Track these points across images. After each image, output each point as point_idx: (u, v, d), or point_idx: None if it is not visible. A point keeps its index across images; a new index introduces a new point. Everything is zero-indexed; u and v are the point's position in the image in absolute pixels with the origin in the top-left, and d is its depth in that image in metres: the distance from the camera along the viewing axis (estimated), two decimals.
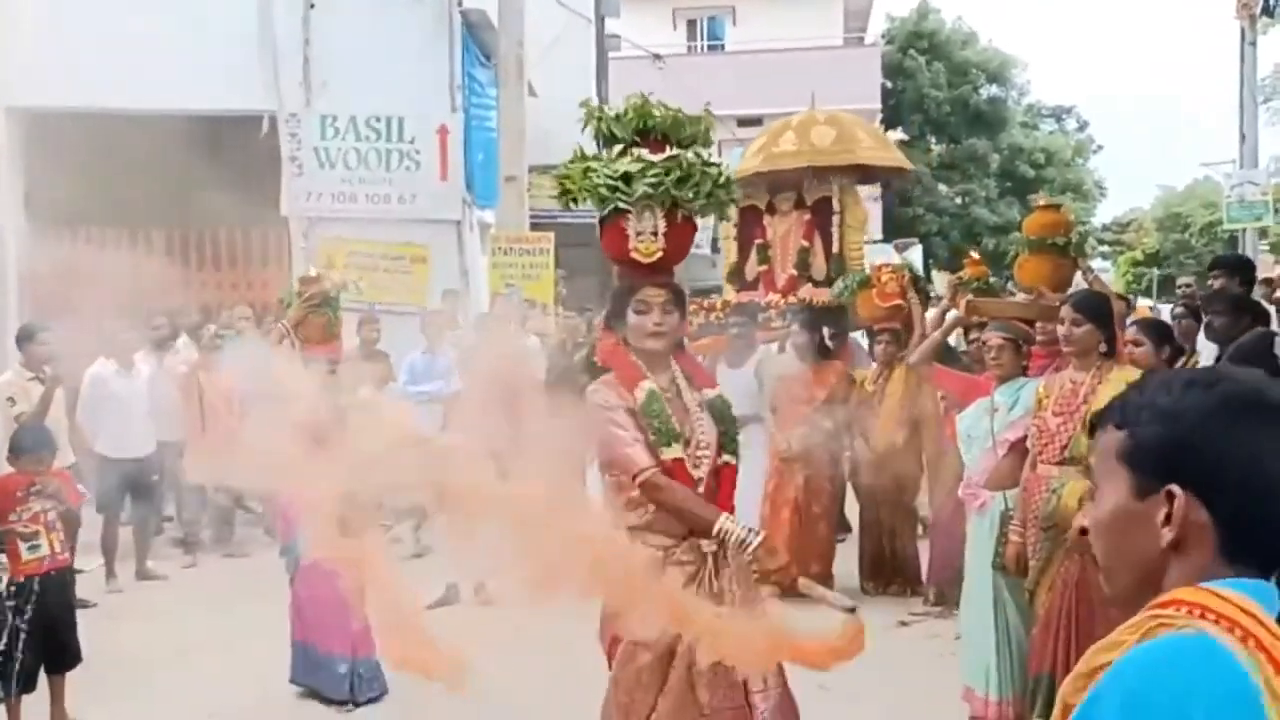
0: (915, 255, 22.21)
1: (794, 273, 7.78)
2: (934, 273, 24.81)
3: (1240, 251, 11.79)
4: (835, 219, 7.73)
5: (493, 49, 10.27)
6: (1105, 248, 40.19)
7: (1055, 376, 3.93)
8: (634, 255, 2.90)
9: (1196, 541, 1.13)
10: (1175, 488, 1.14)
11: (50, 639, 4.26)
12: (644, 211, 2.89)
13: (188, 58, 9.11)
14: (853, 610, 2.64)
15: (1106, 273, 37.20)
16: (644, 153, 2.90)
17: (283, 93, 9.49)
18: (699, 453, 2.84)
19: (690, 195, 2.91)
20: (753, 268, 8.04)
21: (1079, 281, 4.80)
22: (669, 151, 2.91)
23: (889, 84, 27.19)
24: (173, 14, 9.18)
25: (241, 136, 9.59)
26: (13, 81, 9.43)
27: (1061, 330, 3.83)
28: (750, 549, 2.65)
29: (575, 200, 2.99)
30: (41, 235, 9.48)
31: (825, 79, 23.32)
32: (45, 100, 9.46)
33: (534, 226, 10.32)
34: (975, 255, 6.17)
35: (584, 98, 3.45)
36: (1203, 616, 1.09)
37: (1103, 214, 38.03)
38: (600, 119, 2.97)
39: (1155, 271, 37.22)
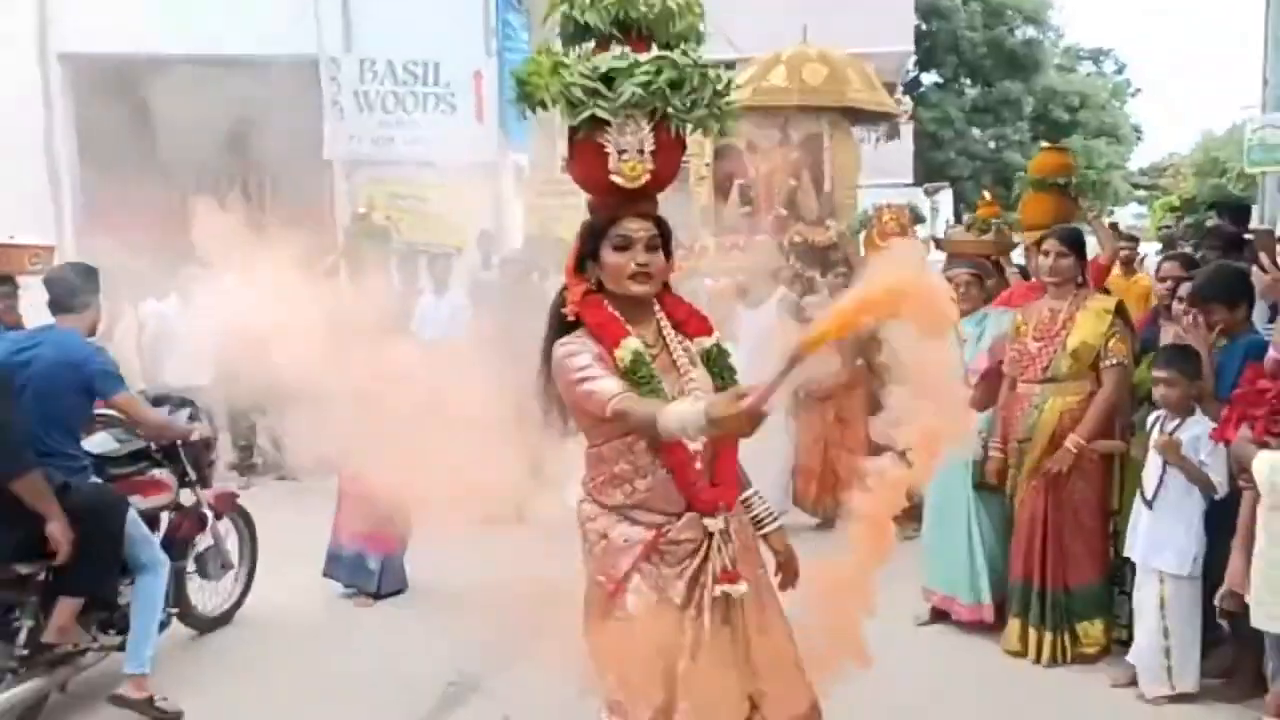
0: (945, 200, 22.22)
1: (782, 212, 7.57)
2: (964, 217, 24.84)
3: (1260, 195, 11.86)
4: (827, 156, 7.60)
5: None
6: (1141, 192, 39.71)
7: (1033, 305, 4.26)
8: (615, 178, 2.34)
9: None
10: None
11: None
12: (627, 123, 2.34)
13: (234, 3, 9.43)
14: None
15: (1144, 218, 36.81)
16: (627, 50, 2.34)
17: (323, 38, 9.79)
18: None
19: (687, 104, 2.36)
20: (733, 209, 7.78)
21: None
22: (655, 51, 2.36)
23: (923, 25, 26.91)
24: None
25: (286, 80, 9.91)
26: (64, 27, 9.80)
27: (1046, 261, 4.14)
28: (705, 419, 2.09)
29: (543, 105, 2.38)
30: (94, 176, 9.92)
31: (857, 17, 23.16)
32: (95, 46, 9.83)
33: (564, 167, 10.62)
34: (988, 196, 6.41)
35: None
36: None
37: (1140, 158, 37.52)
38: (570, 3, 2.37)
39: (1187, 218, 36.82)
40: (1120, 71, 34.09)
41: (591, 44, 2.35)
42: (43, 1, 9.88)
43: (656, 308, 2.48)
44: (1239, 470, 3.05)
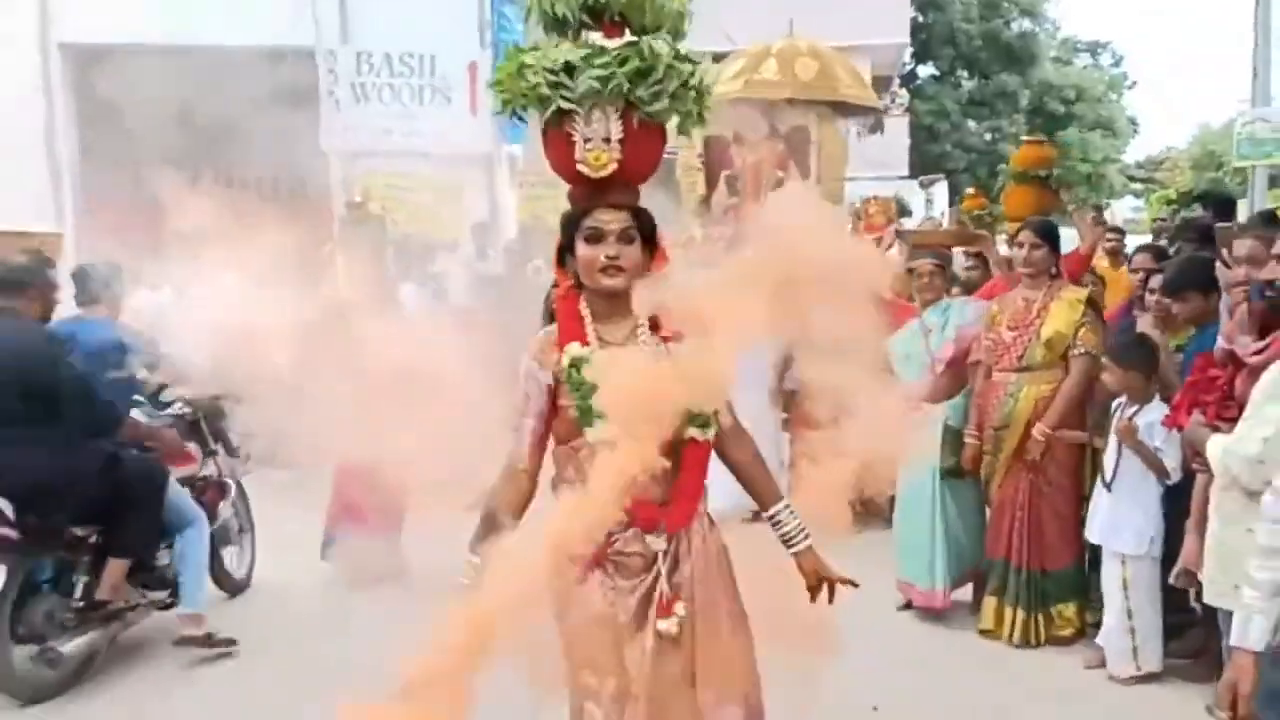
0: (940, 192, 22.31)
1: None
2: (942, 209, 24.93)
3: (1249, 189, 11.95)
4: (814, 149, 7.65)
5: None
6: (1137, 185, 39.83)
7: (1008, 295, 4.37)
8: (581, 168, 2.30)
9: None
10: None
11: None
12: (593, 112, 2.30)
13: None
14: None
15: (1142, 211, 36.92)
16: (596, 36, 2.32)
17: (321, 29, 9.88)
18: None
19: (649, 94, 2.30)
20: (721, 200, 7.78)
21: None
22: (627, 37, 2.32)
23: (920, 16, 26.97)
24: None
25: (281, 71, 9.98)
26: (64, 16, 9.88)
27: (1021, 253, 4.26)
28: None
29: (518, 113, 2.39)
30: (94, 168, 10.00)
31: (853, 10, 23.23)
32: (94, 36, 9.90)
33: None
34: (972, 191, 6.54)
35: None
36: None
37: (1137, 151, 37.63)
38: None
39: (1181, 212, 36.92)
40: (1117, 64, 34.19)
41: (567, 34, 2.34)
42: None
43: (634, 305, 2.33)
44: (1192, 454, 3.17)
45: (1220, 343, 3.13)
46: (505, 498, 2.33)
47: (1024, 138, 5.42)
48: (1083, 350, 4.15)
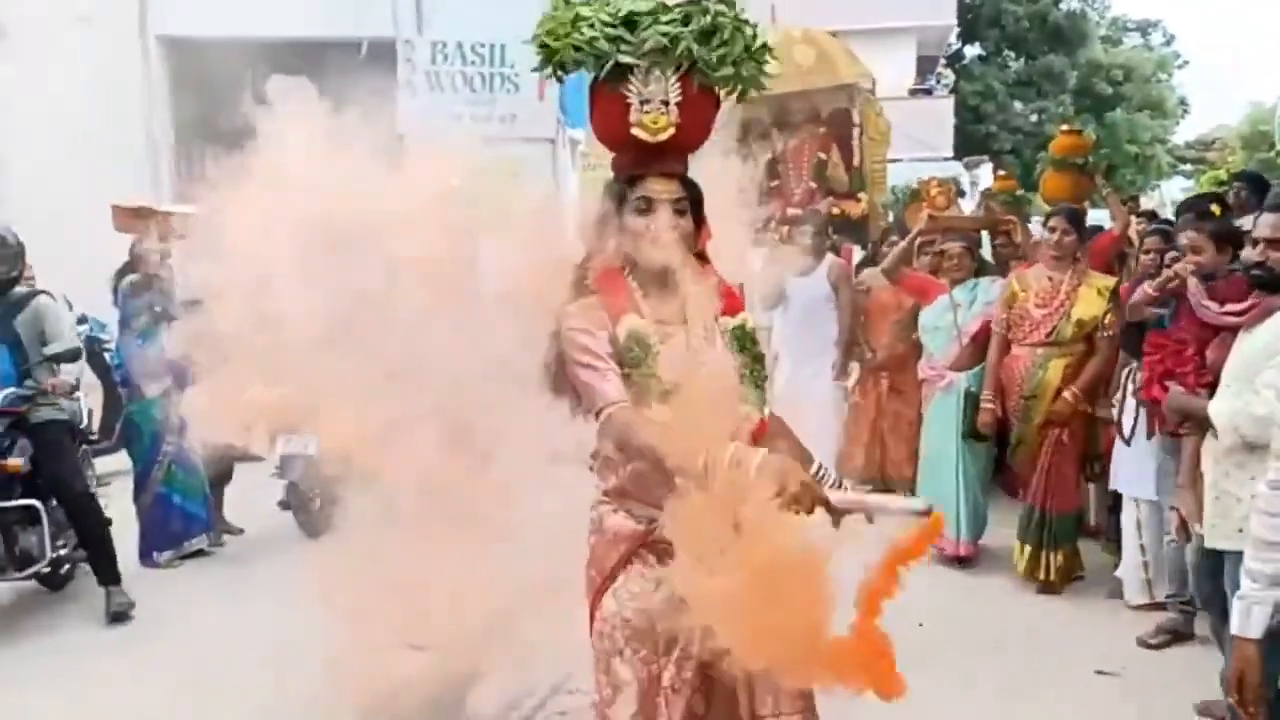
0: (984, 173, 22.50)
1: (812, 185, 7.72)
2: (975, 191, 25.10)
3: None
4: (856, 131, 7.77)
5: None
6: (1187, 166, 39.46)
7: (1027, 273, 4.89)
8: (636, 132, 2.16)
9: None
10: None
11: None
12: (651, 72, 2.15)
13: None
14: (927, 512, 1.97)
15: (1191, 192, 36.61)
16: None
17: (399, 22, 10.52)
18: None
19: (715, 57, 2.17)
20: (763, 183, 7.53)
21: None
22: None
23: None
24: None
25: (343, 61, 10.64)
26: (162, 12, 10.62)
27: (1052, 237, 4.76)
28: (754, 470, 1.87)
29: (563, 68, 2.24)
30: (187, 149, 10.75)
31: None
32: (188, 29, 10.63)
33: None
34: (1003, 172, 6.94)
35: None
36: None
37: (1187, 131, 37.23)
38: None
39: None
40: (1169, 43, 33.85)
41: None
42: None
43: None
44: (1178, 421, 3.48)
45: (1145, 288, 3.50)
46: (649, 425, 2.07)
47: (1061, 127, 5.88)
48: (1110, 334, 4.67)
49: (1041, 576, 4.83)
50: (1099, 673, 4.08)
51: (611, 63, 2.13)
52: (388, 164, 3.24)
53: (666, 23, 2.14)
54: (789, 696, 2.17)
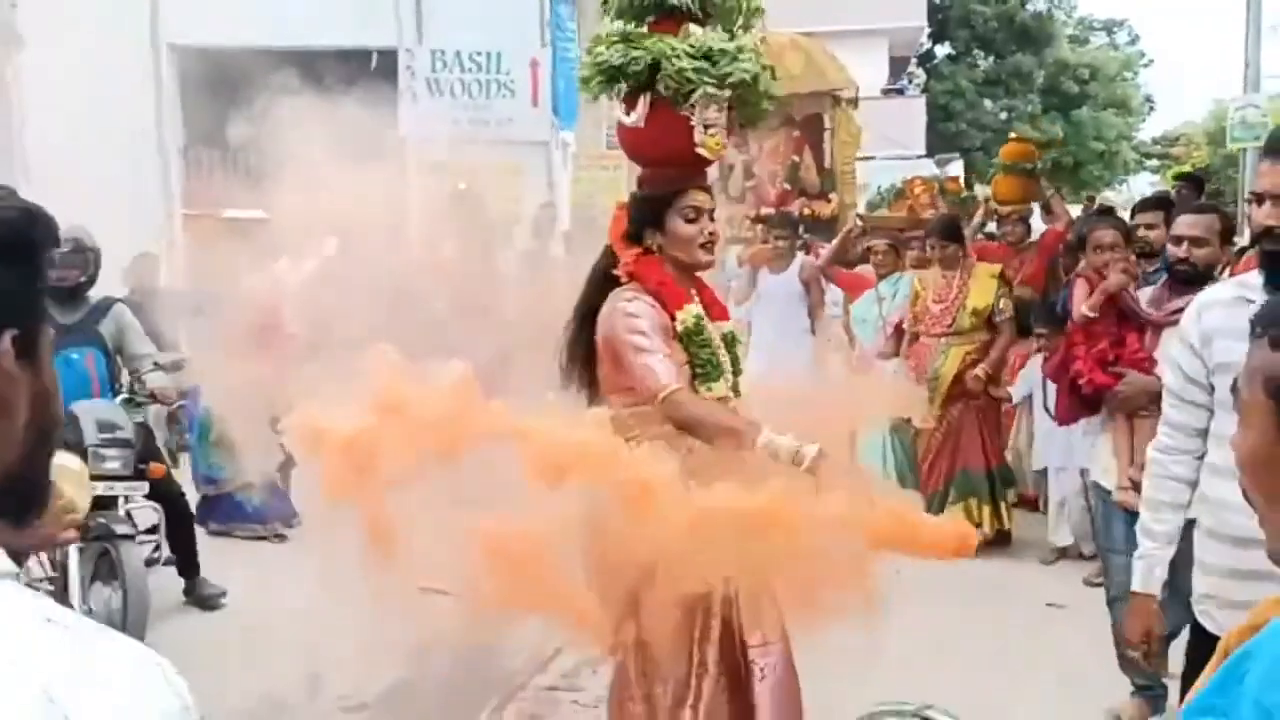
0: (955, 170, 23.28)
1: (785, 186, 8.19)
2: (975, 187, 25.86)
3: (1242, 170, 13.04)
4: (827, 134, 8.24)
5: None
6: (1153, 161, 40.44)
7: (925, 274, 5.53)
8: (701, 151, 2.51)
9: None
10: None
11: None
12: (713, 101, 2.48)
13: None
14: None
15: (1158, 187, 37.56)
16: (697, 29, 2.55)
17: (401, 31, 11.11)
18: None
19: (757, 98, 2.62)
20: (737, 183, 8.29)
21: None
22: (701, 31, 2.56)
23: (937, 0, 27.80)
24: None
25: (352, 69, 11.19)
26: (173, 21, 11.13)
27: (934, 253, 5.46)
28: (807, 461, 2.15)
29: (621, 77, 2.56)
30: (197, 156, 11.26)
31: None
32: (199, 38, 11.15)
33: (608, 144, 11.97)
34: (954, 174, 7.64)
35: None
36: None
37: (1154, 127, 38.16)
38: None
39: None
40: (1134, 42, 34.78)
41: (640, 21, 2.60)
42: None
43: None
44: (1126, 400, 3.66)
45: (1083, 310, 3.87)
46: (710, 404, 2.41)
47: (1010, 135, 6.62)
48: (1007, 315, 5.36)
49: (982, 529, 5.47)
50: (1050, 605, 4.78)
51: (700, 91, 2.48)
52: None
53: (745, 62, 2.54)
54: (772, 627, 2.50)
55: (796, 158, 8.23)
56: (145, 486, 4.44)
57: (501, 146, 11.40)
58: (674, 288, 2.53)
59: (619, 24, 2.67)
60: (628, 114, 2.62)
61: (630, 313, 2.44)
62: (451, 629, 3.01)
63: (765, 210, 7.88)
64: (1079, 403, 4.05)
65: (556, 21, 11.77)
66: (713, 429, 2.31)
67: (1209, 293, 2.44)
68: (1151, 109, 35.24)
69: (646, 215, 2.59)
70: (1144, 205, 5.06)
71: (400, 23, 11.14)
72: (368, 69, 11.12)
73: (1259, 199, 2.22)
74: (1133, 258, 4.14)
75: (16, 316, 0.82)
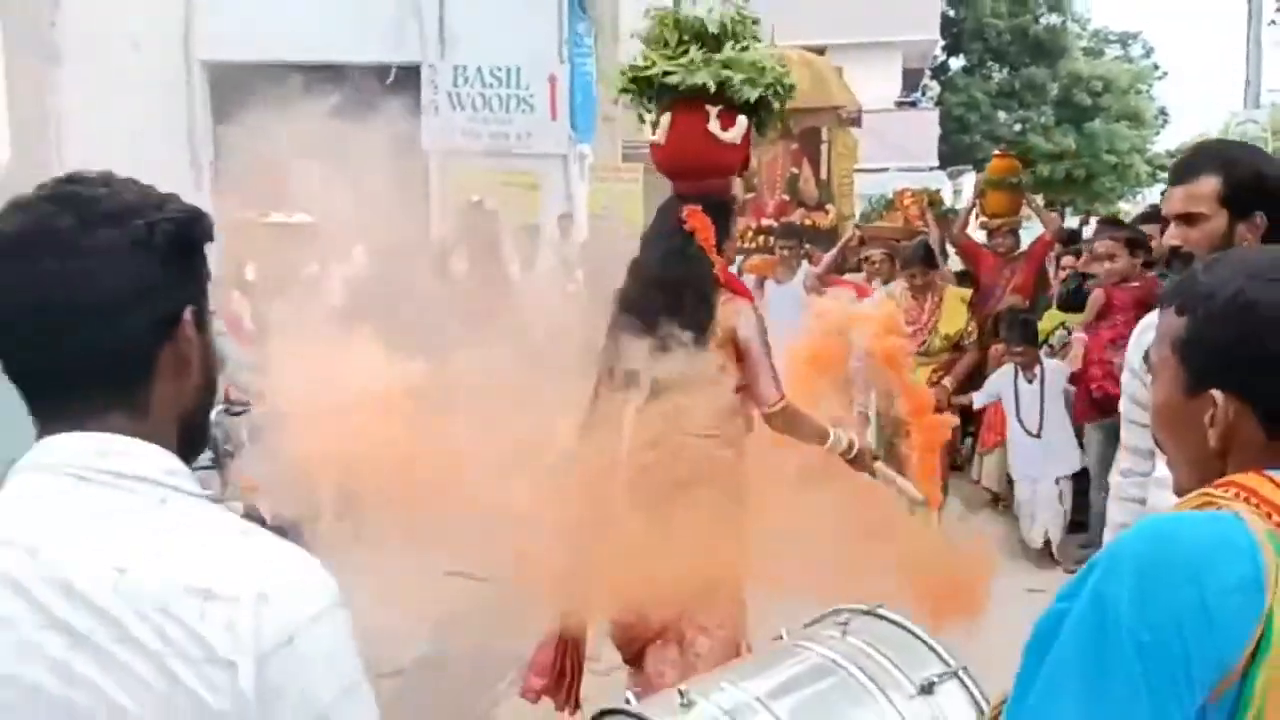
0: (968, 182, 23.52)
1: (784, 198, 8.46)
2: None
3: None
4: (824, 147, 8.56)
5: (590, 4, 12.18)
6: (1167, 174, 40.43)
7: (896, 294, 5.77)
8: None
9: (1245, 437, 1.12)
10: (1217, 393, 1.12)
11: None
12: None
13: (347, 15, 11.18)
14: (922, 503, 2.99)
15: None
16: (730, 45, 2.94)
17: (425, 47, 11.52)
18: None
19: (781, 109, 3.14)
20: (738, 195, 8.87)
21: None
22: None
23: (951, 12, 28.10)
24: None
25: (373, 84, 11.60)
26: (204, 38, 11.60)
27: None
28: (854, 453, 2.79)
29: (646, 104, 2.97)
30: (228, 169, 11.70)
31: (888, 11, 24.52)
32: (229, 54, 11.59)
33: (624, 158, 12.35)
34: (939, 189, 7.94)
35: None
36: (1246, 500, 1.08)
37: (1169, 140, 38.27)
38: (678, 21, 2.99)
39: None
40: (1148, 55, 34.93)
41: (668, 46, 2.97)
42: (188, 12, 11.66)
43: None
44: None
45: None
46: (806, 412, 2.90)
47: (995, 151, 6.99)
48: (975, 339, 5.68)
49: None
50: (1030, 591, 5.08)
51: (757, 96, 2.93)
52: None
53: (786, 73, 3.04)
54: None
55: (796, 170, 8.50)
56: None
57: (520, 159, 11.81)
58: (751, 299, 3.00)
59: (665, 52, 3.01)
60: (725, 130, 2.96)
61: (763, 324, 2.86)
62: (474, 608, 3.37)
63: (767, 221, 8.19)
64: (1091, 405, 4.49)
65: (574, 39, 12.15)
66: (811, 431, 2.85)
67: (1151, 316, 2.58)
68: (1166, 121, 35.36)
69: (728, 226, 3.02)
70: (1144, 218, 5.37)
71: (424, 40, 11.54)
72: (393, 83, 11.54)
73: (1165, 222, 2.36)
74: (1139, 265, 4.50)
75: (194, 297, 1.10)
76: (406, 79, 11.62)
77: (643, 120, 3.13)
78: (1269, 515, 1.07)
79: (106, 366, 1.05)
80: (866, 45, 23.61)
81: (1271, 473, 1.11)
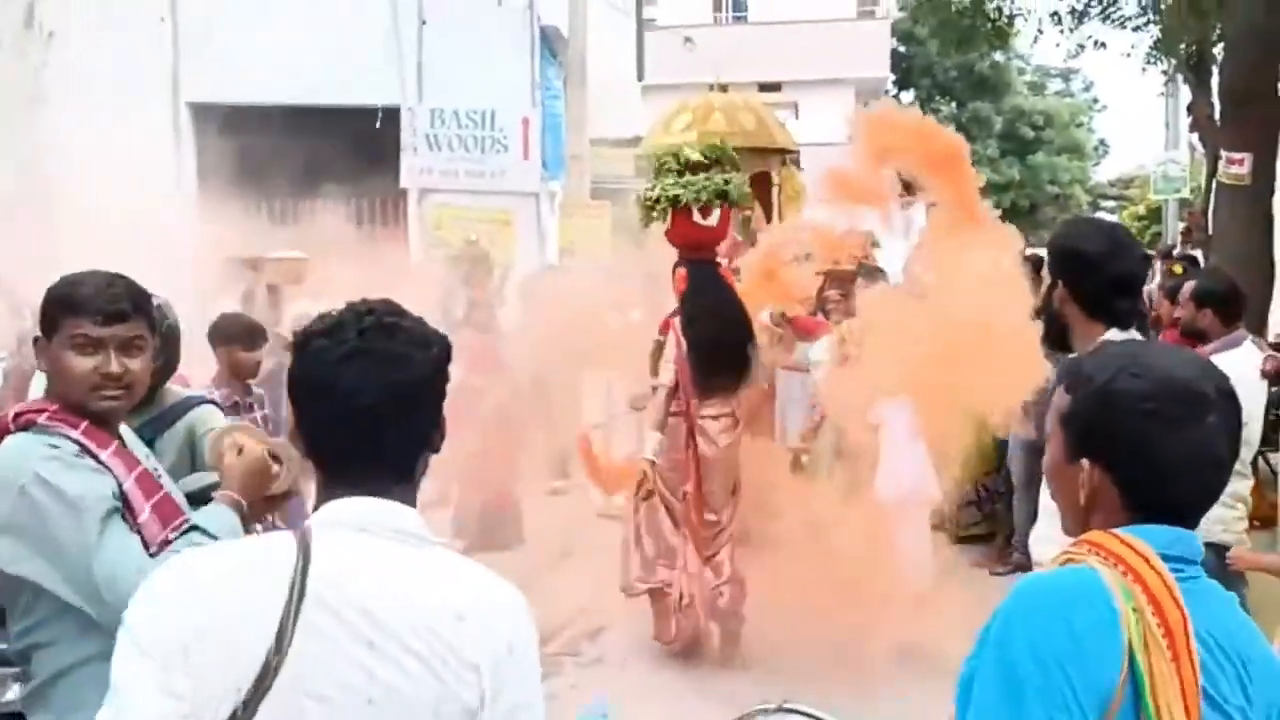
0: (919, 213, 24.44)
1: (737, 238, 8.20)
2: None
3: (1163, 219, 14.30)
4: (775, 190, 8.94)
5: (559, 50, 12.87)
6: (1110, 203, 42.05)
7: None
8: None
9: (1106, 500, 1.36)
10: (1085, 462, 1.37)
11: None
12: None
13: (329, 60, 11.76)
14: None
15: None
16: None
17: (405, 90, 12.14)
18: None
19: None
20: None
21: None
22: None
23: (902, 49, 29.26)
24: (315, 27, 11.80)
25: (361, 126, 12.16)
26: (192, 81, 12.10)
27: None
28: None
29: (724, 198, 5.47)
30: (211, 206, 12.16)
31: (840, 49, 25.57)
32: (216, 96, 12.12)
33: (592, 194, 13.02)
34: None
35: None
36: (1096, 553, 1.31)
37: (1110, 170, 39.76)
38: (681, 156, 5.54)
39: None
40: (1088, 89, 36.49)
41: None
42: (176, 57, 12.16)
43: None
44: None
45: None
46: None
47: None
48: None
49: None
50: (993, 573, 5.86)
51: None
52: None
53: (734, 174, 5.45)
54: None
55: (748, 212, 8.68)
56: None
57: (494, 197, 12.44)
58: None
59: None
60: (705, 219, 5.29)
61: None
62: None
63: (721, 260, 8.67)
64: None
65: (545, 83, 12.84)
66: None
67: None
68: (1105, 152, 36.88)
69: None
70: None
71: (404, 83, 12.15)
72: (373, 125, 12.12)
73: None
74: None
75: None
76: (387, 120, 12.23)
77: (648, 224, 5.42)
78: (1116, 565, 1.29)
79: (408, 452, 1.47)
80: (820, 81, 24.61)
81: (1118, 531, 1.33)
